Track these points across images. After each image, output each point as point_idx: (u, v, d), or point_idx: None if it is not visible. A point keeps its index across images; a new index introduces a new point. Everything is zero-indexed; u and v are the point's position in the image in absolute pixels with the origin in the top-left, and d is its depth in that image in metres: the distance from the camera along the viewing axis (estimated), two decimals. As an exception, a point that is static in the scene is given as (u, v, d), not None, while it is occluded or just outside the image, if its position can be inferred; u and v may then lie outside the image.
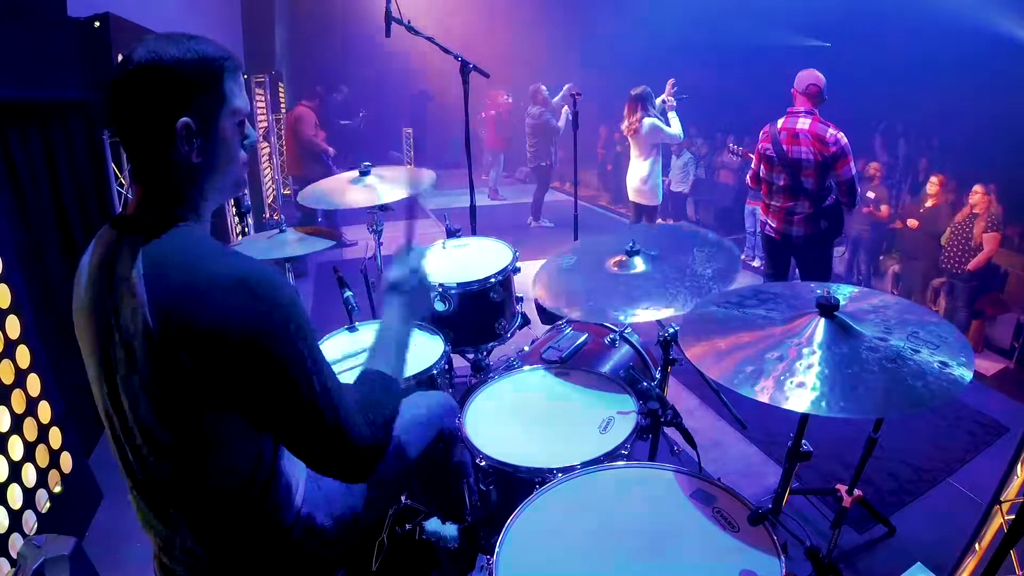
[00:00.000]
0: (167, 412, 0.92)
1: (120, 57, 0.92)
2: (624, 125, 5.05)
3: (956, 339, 1.22)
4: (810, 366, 1.16)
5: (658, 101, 4.95)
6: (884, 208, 5.99)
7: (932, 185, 5.64)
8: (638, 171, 5.05)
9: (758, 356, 1.21)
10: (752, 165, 3.60)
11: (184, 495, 1.00)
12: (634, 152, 5.09)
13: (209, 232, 1.02)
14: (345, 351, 2.06)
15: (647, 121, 4.84)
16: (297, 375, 0.91)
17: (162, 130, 0.91)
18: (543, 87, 7.18)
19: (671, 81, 4.97)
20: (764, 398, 1.12)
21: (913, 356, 1.17)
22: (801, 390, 1.12)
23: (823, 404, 1.09)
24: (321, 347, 2.21)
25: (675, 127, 4.85)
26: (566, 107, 6.87)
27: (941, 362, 1.15)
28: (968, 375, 1.12)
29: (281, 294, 0.92)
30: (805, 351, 1.20)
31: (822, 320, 1.25)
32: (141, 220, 0.95)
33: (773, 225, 3.46)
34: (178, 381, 0.88)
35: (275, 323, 0.90)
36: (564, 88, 6.32)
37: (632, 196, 5.21)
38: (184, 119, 0.91)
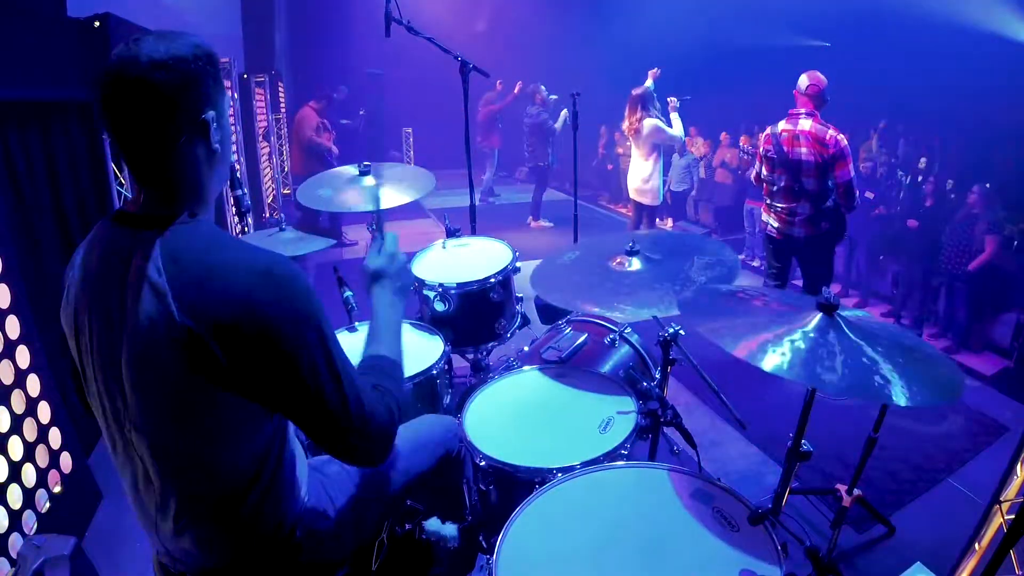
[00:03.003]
0: (183, 405, 0.93)
1: (117, 55, 0.90)
2: (625, 125, 5.04)
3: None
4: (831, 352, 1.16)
5: (648, 83, 4.94)
6: (882, 208, 5.99)
7: (931, 185, 5.64)
8: (639, 171, 5.05)
9: (777, 339, 1.20)
10: (756, 165, 3.60)
11: (186, 494, 1.00)
12: (635, 152, 5.08)
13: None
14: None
15: (648, 121, 4.83)
16: (320, 362, 0.94)
17: (189, 124, 0.93)
18: (542, 87, 7.18)
19: (654, 72, 4.96)
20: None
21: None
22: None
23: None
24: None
25: (677, 128, 4.84)
26: (565, 110, 6.88)
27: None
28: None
29: (302, 283, 0.94)
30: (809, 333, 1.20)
31: (820, 314, 1.25)
32: (152, 216, 0.95)
33: (775, 226, 3.46)
34: (204, 371, 0.89)
35: (301, 310, 0.93)
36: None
37: (633, 195, 5.21)
38: (210, 110, 0.94)
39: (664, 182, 5.21)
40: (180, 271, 0.90)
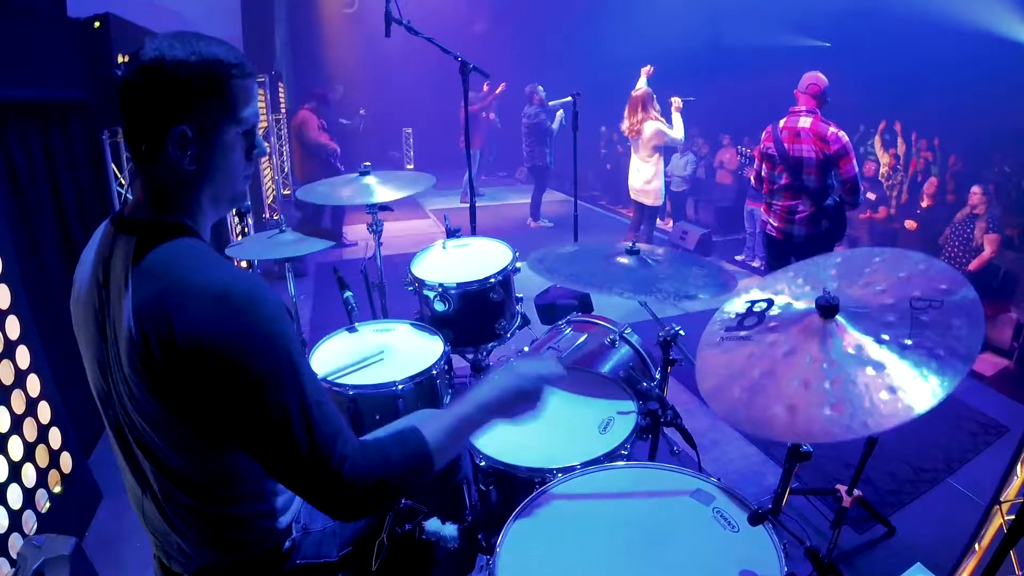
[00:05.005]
0: (148, 412, 0.91)
1: (126, 56, 0.90)
2: (625, 126, 5.02)
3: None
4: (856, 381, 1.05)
5: (642, 81, 4.93)
6: (882, 209, 6.00)
7: (931, 185, 5.65)
8: (641, 172, 5.04)
9: (823, 399, 1.04)
10: (755, 165, 3.61)
11: (181, 495, 1.00)
12: (636, 153, 5.07)
13: (208, 241, 0.98)
14: (344, 352, 2.06)
15: (649, 124, 4.82)
16: (285, 395, 0.86)
17: (158, 133, 0.88)
18: (540, 88, 7.18)
19: (647, 69, 4.94)
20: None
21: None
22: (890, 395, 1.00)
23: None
24: (320, 347, 2.18)
25: (678, 130, 4.83)
26: (561, 111, 6.88)
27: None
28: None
29: (265, 310, 0.87)
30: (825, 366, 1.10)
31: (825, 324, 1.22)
32: (137, 221, 0.93)
33: (775, 224, 3.46)
34: (157, 385, 0.87)
35: (254, 341, 0.85)
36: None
37: (634, 196, 5.20)
38: (181, 126, 0.87)
39: (664, 182, 5.21)
40: (143, 282, 0.87)
